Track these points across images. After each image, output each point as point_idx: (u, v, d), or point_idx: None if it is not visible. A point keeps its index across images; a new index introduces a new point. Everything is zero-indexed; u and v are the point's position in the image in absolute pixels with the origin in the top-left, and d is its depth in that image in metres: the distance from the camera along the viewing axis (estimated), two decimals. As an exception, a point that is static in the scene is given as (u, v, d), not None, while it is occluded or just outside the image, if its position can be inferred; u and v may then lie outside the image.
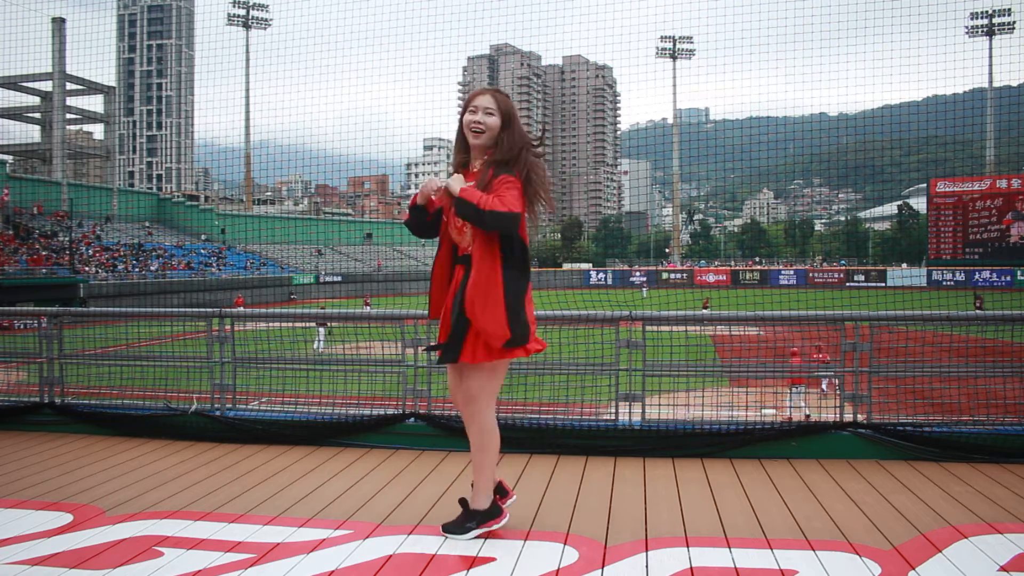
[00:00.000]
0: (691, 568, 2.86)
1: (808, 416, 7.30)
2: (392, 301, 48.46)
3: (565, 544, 3.10)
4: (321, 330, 8.30)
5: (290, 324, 6.55)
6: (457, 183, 3.04)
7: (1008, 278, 56.85)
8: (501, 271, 2.99)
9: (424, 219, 3.20)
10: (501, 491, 3.31)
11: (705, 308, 30.86)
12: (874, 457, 4.32)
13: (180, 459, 4.55)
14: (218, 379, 5.20)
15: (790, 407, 10.79)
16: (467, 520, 3.18)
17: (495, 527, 3.19)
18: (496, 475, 3.31)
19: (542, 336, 3.34)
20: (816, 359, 8.10)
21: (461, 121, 3.10)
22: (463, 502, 3.21)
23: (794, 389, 10.99)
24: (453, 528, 3.20)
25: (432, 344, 3.22)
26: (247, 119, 77.39)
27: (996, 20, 68.09)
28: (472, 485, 3.23)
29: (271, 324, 6.89)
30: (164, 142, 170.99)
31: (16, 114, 58.52)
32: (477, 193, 2.96)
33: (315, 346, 7.96)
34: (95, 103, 63.19)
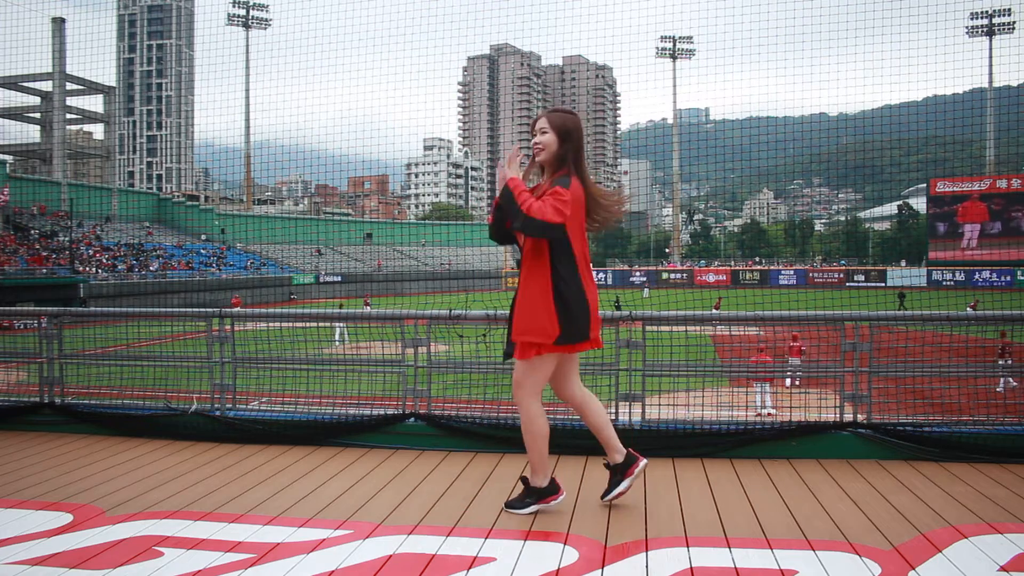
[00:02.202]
0: (691, 568, 2.86)
1: (771, 414, 7.27)
2: (392, 301, 48.47)
3: (565, 544, 3.10)
4: (342, 327, 8.35)
5: (290, 324, 6.55)
6: (513, 171, 3.30)
7: (1008, 278, 56.86)
8: (550, 275, 3.31)
9: (503, 222, 3.40)
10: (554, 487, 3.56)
11: (716, 309, 30.87)
12: (874, 457, 4.32)
13: (180, 459, 4.55)
14: (218, 379, 5.19)
15: (759, 404, 10.81)
16: (527, 496, 3.51)
17: (552, 504, 3.51)
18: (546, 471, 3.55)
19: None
20: (756, 360, 8.04)
21: None
22: (524, 480, 3.54)
23: (758, 387, 10.94)
24: (514, 504, 3.52)
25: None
26: (247, 119, 77.42)
27: (996, 20, 68.15)
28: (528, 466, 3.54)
29: (271, 324, 6.88)
30: (164, 142, 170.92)
31: (16, 114, 58.51)
32: (526, 193, 3.27)
33: (337, 342, 8.01)
34: (95, 103, 63.24)
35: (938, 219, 63.77)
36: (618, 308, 7.25)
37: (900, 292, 41.51)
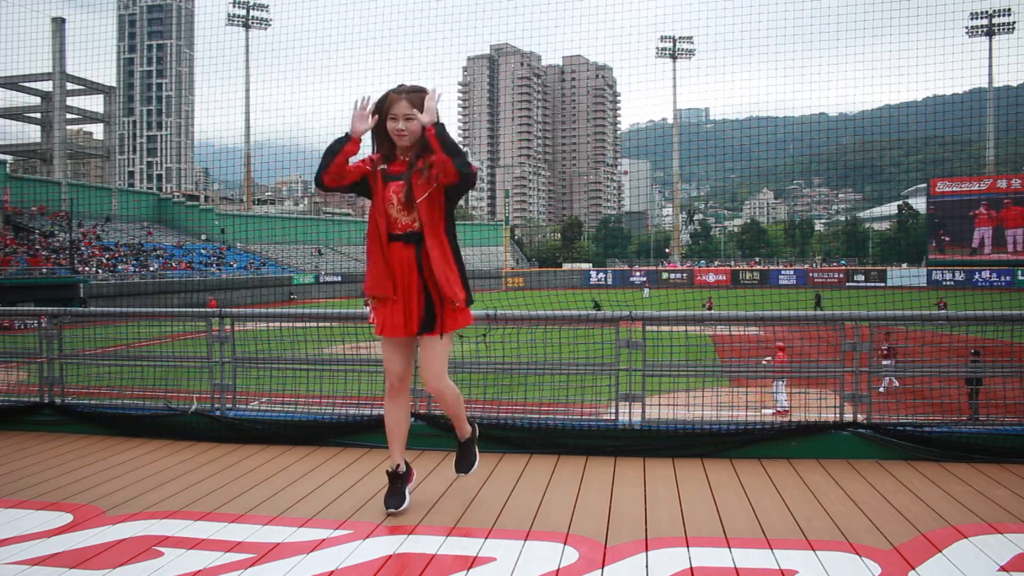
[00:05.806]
0: (691, 568, 2.86)
1: (783, 411, 7.26)
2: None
3: (565, 544, 3.10)
4: None
5: (290, 324, 6.55)
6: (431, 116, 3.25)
7: (1008, 278, 56.85)
8: (449, 240, 3.34)
9: (346, 157, 3.30)
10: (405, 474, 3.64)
11: (708, 308, 30.85)
12: (874, 457, 4.32)
13: (180, 459, 4.55)
14: (218, 379, 5.19)
15: (776, 402, 10.79)
16: (471, 448, 3.73)
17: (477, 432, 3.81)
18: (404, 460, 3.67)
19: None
20: (768, 361, 8.03)
21: (383, 124, 3.32)
22: (462, 444, 3.73)
23: (775, 385, 10.93)
24: (467, 465, 3.69)
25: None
26: (247, 119, 77.44)
27: (996, 20, 68.18)
28: (456, 428, 3.73)
29: (271, 324, 6.89)
30: (164, 142, 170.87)
31: (16, 114, 58.54)
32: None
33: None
34: (95, 103, 63.34)
35: (942, 216, 63.66)
36: (597, 308, 7.24)
37: (817, 294, 39.99)
